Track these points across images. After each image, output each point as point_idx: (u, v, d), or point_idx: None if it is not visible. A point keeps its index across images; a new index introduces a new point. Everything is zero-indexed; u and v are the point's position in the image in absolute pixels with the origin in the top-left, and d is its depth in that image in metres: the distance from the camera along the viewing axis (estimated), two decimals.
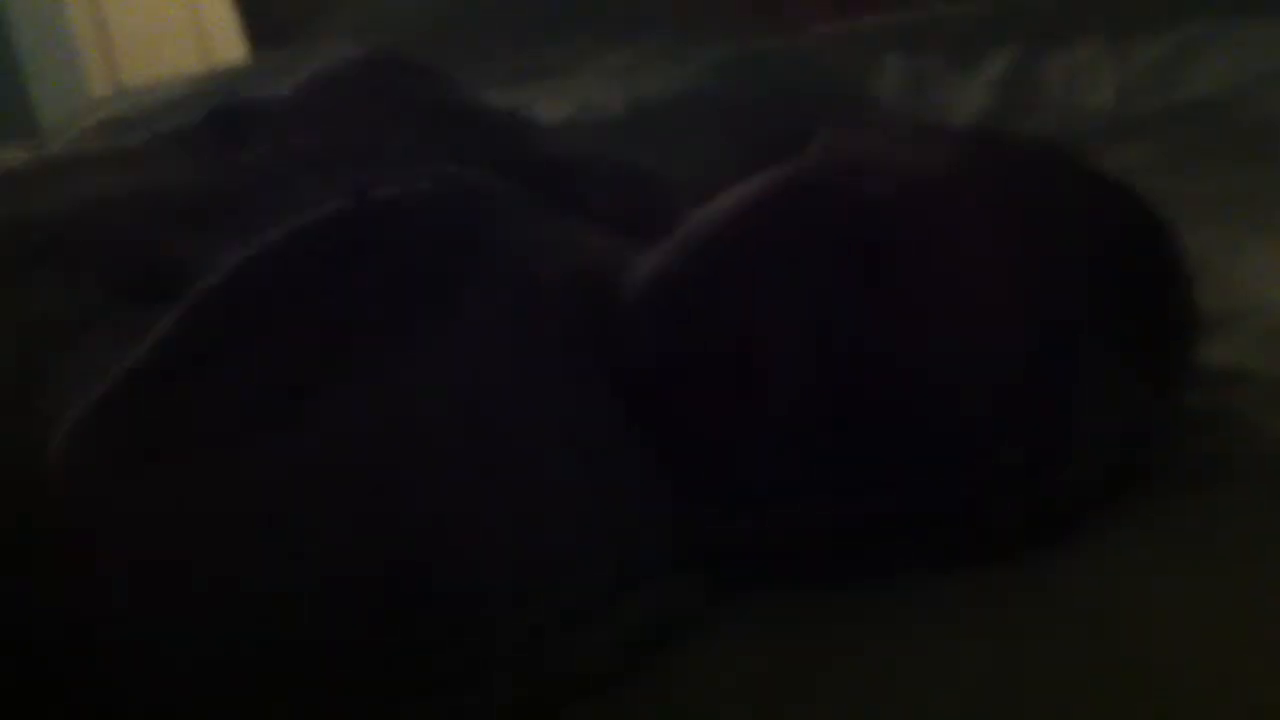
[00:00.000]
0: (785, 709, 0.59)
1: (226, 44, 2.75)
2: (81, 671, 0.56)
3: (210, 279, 0.60)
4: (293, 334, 0.60)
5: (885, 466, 0.65)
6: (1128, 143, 1.30)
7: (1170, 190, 1.01)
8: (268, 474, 0.56)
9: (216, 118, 0.80)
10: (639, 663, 0.61)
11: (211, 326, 0.60)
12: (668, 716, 0.60)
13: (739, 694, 0.60)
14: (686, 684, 0.61)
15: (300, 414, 0.57)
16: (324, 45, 2.08)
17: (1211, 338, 0.80)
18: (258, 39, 2.41)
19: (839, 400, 0.64)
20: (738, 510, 0.67)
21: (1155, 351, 0.71)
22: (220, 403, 0.58)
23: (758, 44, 1.71)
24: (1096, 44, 1.59)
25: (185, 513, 0.56)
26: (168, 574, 0.56)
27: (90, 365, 0.61)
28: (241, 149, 0.77)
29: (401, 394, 0.58)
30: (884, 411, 0.64)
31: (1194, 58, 1.52)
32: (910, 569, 0.66)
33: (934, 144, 0.74)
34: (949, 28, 1.79)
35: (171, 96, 1.83)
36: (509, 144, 0.83)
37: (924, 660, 0.60)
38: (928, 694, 0.58)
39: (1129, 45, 1.58)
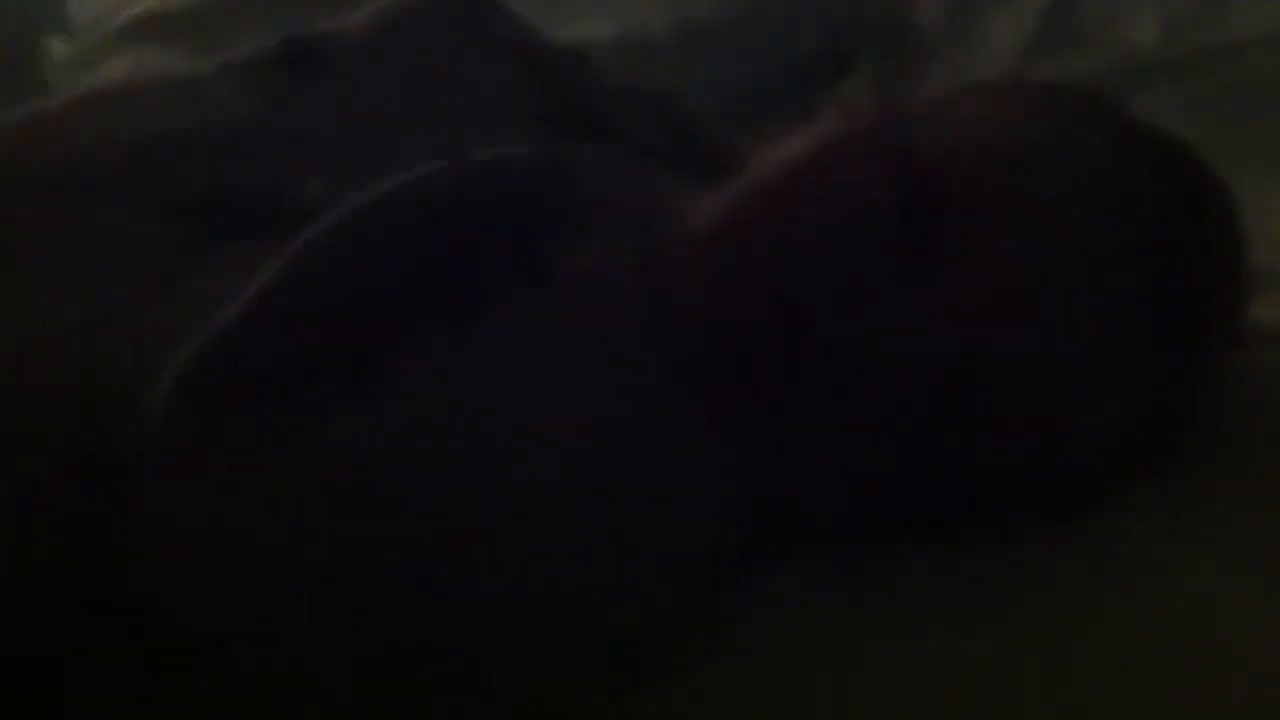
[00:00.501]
0: (788, 707, 0.60)
1: None
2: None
3: (314, 230, 0.60)
4: (396, 295, 0.60)
5: (934, 436, 0.65)
6: (1170, 83, 1.29)
7: (1211, 136, 1.01)
8: (365, 444, 0.56)
9: (289, 48, 0.78)
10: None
11: (318, 281, 0.59)
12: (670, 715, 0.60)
13: (742, 692, 0.61)
14: (690, 683, 0.61)
15: (396, 381, 0.57)
16: None
17: (1263, 294, 0.80)
18: None
19: (889, 365, 0.65)
20: (786, 474, 0.68)
21: (1210, 319, 0.71)
22: (325, 361, 0.58)
23: None
24: None
25: (286, 479, 0.56)
26: (258, 544, 0.56)
27: (170, 301, 0.61)
28: (317, 86, 0.76)
29: (491, 368, 0.59)
30: (936, 381, 0.65)
31: None
32: (950, 535, 0.67)
33: (982, 106, 0.74)
34: None
35: None
36: (570, 83, 0.83)
37: (925, 657, 0.61)
38: (928, 691, 0.59)
39: None
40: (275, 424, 0.56)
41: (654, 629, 0.61)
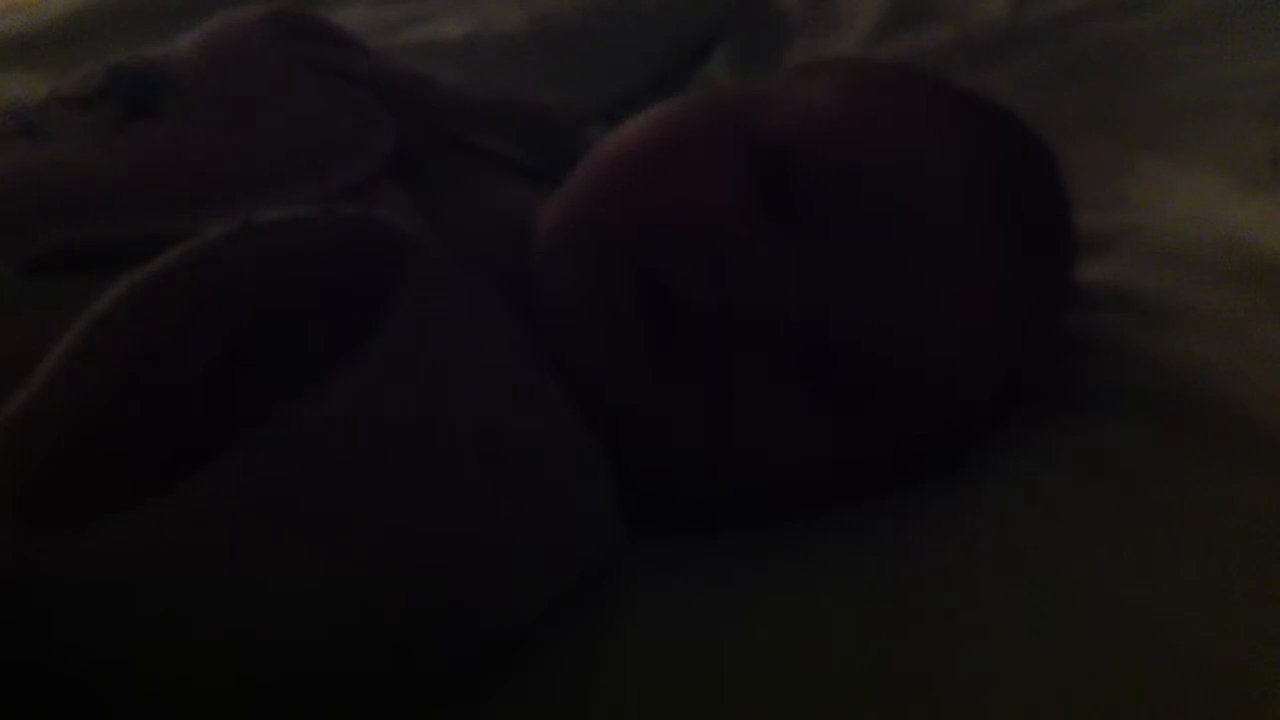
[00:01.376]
0: (708, 674, 0.60)
1: None
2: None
3: (98, 306, 0.56)
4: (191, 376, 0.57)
5: (792, 397, 0.66)
6: (1019, 55, 1.31)
7: (1058, 105, 1.03)
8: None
9: (117, 80, 0.75)
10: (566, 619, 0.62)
11: (101, 364, 0.55)
12: (593, 681, 0.60)
13: (660, 659, 0.61)
14: (609, 640, 0.61)
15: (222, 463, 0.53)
16: None
17: (1099, 256, 0.82)
18: None
19: (744, 333, 0.65)
20: (656, 457, 0.68)
21: (1049, 275, 0.73)
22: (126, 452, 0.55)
23: None
24: None
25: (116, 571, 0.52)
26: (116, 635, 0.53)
27: None
28: (144, 119, 0.73)
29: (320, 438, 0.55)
30: (784, 340, 0.65)
31: None
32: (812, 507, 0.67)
33: (818, 78, 0.75)
34: None
35: (58, 14, 1.78)
36: (413, 105, 0.82)
37: (838, 624, 0.61)
38: (850, 650, 0.60)
39: None
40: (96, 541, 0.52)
41: (540, 622, 0.61)
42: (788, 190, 0.67)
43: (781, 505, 0.68)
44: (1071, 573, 0.62)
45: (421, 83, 0.85)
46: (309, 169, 0.72)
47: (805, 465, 0.68)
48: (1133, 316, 0.82)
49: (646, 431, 0.67)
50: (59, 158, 0.70)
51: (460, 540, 0.58)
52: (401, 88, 0.82)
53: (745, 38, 1.45)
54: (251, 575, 0.53)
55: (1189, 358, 0.77)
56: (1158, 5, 1.40)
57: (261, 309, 0.58)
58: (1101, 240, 0.84)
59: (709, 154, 0.69)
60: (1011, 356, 0.70)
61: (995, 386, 0.70)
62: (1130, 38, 1.34)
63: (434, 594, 0.57)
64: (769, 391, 0.66)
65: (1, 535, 0.52)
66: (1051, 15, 1.39)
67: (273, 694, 0.55)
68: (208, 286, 0.57)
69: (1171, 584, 0.62)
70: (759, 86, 0.76)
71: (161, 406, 0.56)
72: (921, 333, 0.67)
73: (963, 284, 0.68)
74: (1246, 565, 0.62)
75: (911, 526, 0.67)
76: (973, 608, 0.61)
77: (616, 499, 0.66)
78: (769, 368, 0.65)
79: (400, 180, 0.75)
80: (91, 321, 0.55)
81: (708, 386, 0.66)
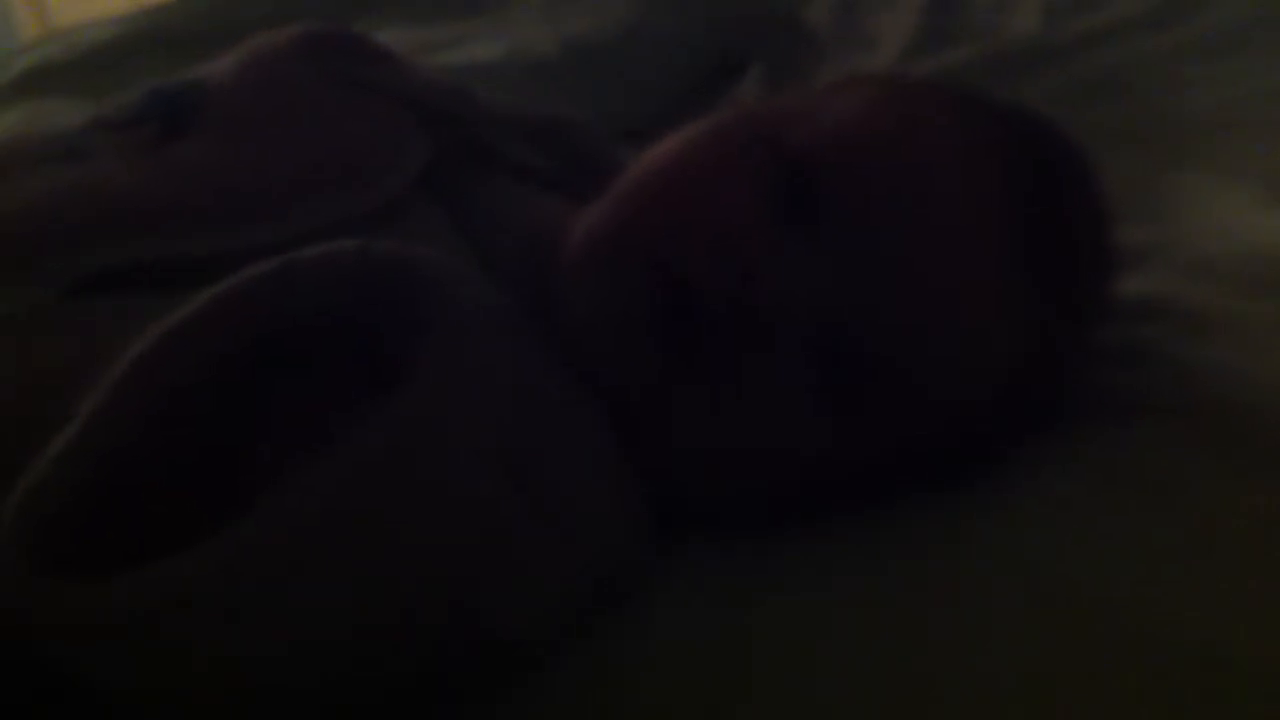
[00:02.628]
0: (726, 673, 0.60)
1: None
2: None
3: (135, 350, 0.57)
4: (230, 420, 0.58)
5: (816, 408, 0.67)
6: (1047, 72, 1.31)
7: (1093, 118, 1.03)
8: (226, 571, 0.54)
9: (155, 102, 0.77)
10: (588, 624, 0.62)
11: (137, 414, 0.56)
12: (612, 680, 0.61)
13: (676, 656, 0.62)
14: (627, 647, 0.62)
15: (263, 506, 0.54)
16: None
17: (1132, 270, 0.82)
18: None
19: (762, 332, 0.66)
20: (682, 464, 0.69)
21: (1074, 286, 0.73)
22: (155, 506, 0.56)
23: None
24: None
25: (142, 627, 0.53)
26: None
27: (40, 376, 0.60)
28: (182, 139, 0.74)
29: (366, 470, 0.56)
30: (800, 339, 0.66)
31: None
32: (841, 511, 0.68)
33: (849, 94, 0.76)
34: None
35: (100, 40, 1.80)
36: (447, 119, 0.83)
37: (856, 626, 0.62)
38: (859, 659, 0.60)
39: None
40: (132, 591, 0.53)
41: (562, 633, 0.62)
42: (811, 197, 0.67)
43: (786, 506, 0.68)
44: (1093, 580, 0.62)
45: (457, 96, 0.86)
46: (343, 185, 0.73)
47: (810, 463, 0.68)
48: (1165, 328, 0.82)
49: (663, 430, 0.68)
50: (98, 180, 0.71)
51: (488, 558, 0.59)
52: (436, 102, 0.83)
53: (777, 57, 1.46)
54: (286, 619, 0.55)
55: (1221, 368, 0.77)
56: (1184, 22, 1.41)
57: (298, 350, 0.59)
58: (1133, 253, 0.84)
59: (734, 162, 0.70)
60: (1024, 365, 0.70)
61: (1001, 391, 0.70)
62: (1157, 54, 1.35)
63: (460, 610, 0.58)
64: (781, 390, 0.67)
65: (33, 582, 0.53)
66: (1079, 33, 1.39)
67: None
68: (245, 330, 0.58)
69: (1202, 593, 0.61)
70: (788, 100, 0.77)
71: (198, 449, 0.57)
72: (929, 335, 0.67)
73: (973, 291, 0.68)
74: (1278, 573, 0.62)
75: (932, 532, 0.67)
76: (990, 613, 0.61)
77: (642, 514, 0.67)
78: (783, 367, 0.66)
79: (434, 192, 0.76)
80: (128, 367, 0.56)
81: (725, 385, 0.66)
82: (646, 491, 0.67)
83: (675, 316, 0.66)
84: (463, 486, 0.58)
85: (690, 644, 0.62)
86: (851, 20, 1.52)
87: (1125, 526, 0.65)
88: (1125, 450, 0.71)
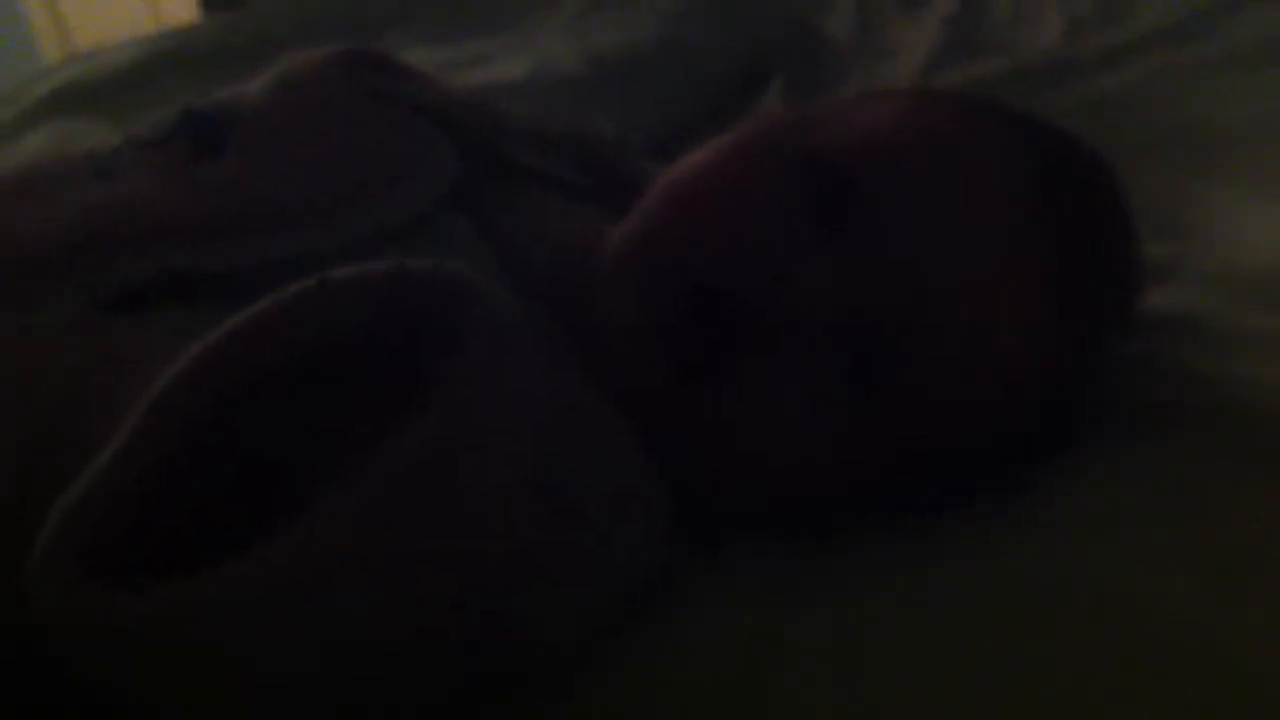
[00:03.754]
0: (757, 674, 0.60)
1: (176, 3, 2.74)
2: None
3: (173, 368, 0.57)
4: (268, 437, 0.58)
5: (845, 413, 0.67)
6: (1071, 85, 1.31)
7: (1117, 131, 1.03)
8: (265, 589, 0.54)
9: (189, 123, 0.77)
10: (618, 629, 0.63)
11: (177, 428, 0.56)
12: (643, 681, 0.61)
13: (710, 659, 0.62)
14: (660, 648, 0.62)
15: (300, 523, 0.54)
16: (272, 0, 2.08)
17: (1159, 284, 0.82)
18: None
19: (793, 332, 0.66)
20: (710, 469, 0.69)
21: (1104, 298, 0.73)
22: (200, 516, 0.56)
23: None
24: None
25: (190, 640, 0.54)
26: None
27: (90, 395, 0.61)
28: (212, 157, 0.75)
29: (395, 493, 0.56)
30: (829, 339, 0.66)
31: None
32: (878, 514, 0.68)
33: (878, 103, 0.76)
34: None
35: (123, 61, 1.81)
36: (475, 133, 0.83)
37: (888, 630, 0.62)
38: (891, 663, 0.60)
39: None
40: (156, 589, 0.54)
41: (592, 642, 0.62)
42: (841, 203, 0.68)
43: (815, 511, 0.69)
44: (1129, 590, 0.62)
45: (485, 111, 0.87)
46: (374, 198, 0.74)
47: (837, 467, 0.68)
48: (1193, 340, 0.82)
49: (692, 435, 0.69)
50: (129, 195, 0.72)
51: (520, 568, 0.59)
52: (464, 117, 0.83)
53: (799, 71, 1.46)
54: (321, 631, 0.55)
55: (1249, 380, 0.77)
56: (1206, 37, 1.41)
57: (334, 366, 0.59)
58: (1160, 267, 0.84)
59: (764, 168, 0.70)
60: (1054, 375, 0.71)
61: (1029, 400, 0.70)
62: (1181, 68, 1.36)
63: (493, 620, 0.59)
64: (811, 394, 0.67)
65: (78, 588, 0.53)
66: (1102, 47, 1.40)
67: None
68: (282, 347, 0.58)
69: (1233, 602, 0.61)
70: (815, 110, 0.77)
71: (237, 464, 0.58)
72: (959, 342, 0.67)
73: (1004, 298, 0.68)
74: None
75: (964, 540, 0.67)
76: (1025, 621, 0.61)
77: (670, 519, 0.67)
78: (813, 371, 0.67)
79: (463, 204, 0.77)
80: (169, 383, 0.56)
81: (755, 389, 0.67)
82: (674, 497, 0.68)
83: (706, 320, 0.67)
84: (496, 500, 0.59)
85: (720, 648, 0.62)
86: (872, 34, 1.53)
87: (1154, 537, 0.65)
88: (1153, 463, 0.71)
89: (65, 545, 0.54)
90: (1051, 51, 1.43)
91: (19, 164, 0.81)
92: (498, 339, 0.61)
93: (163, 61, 1.79)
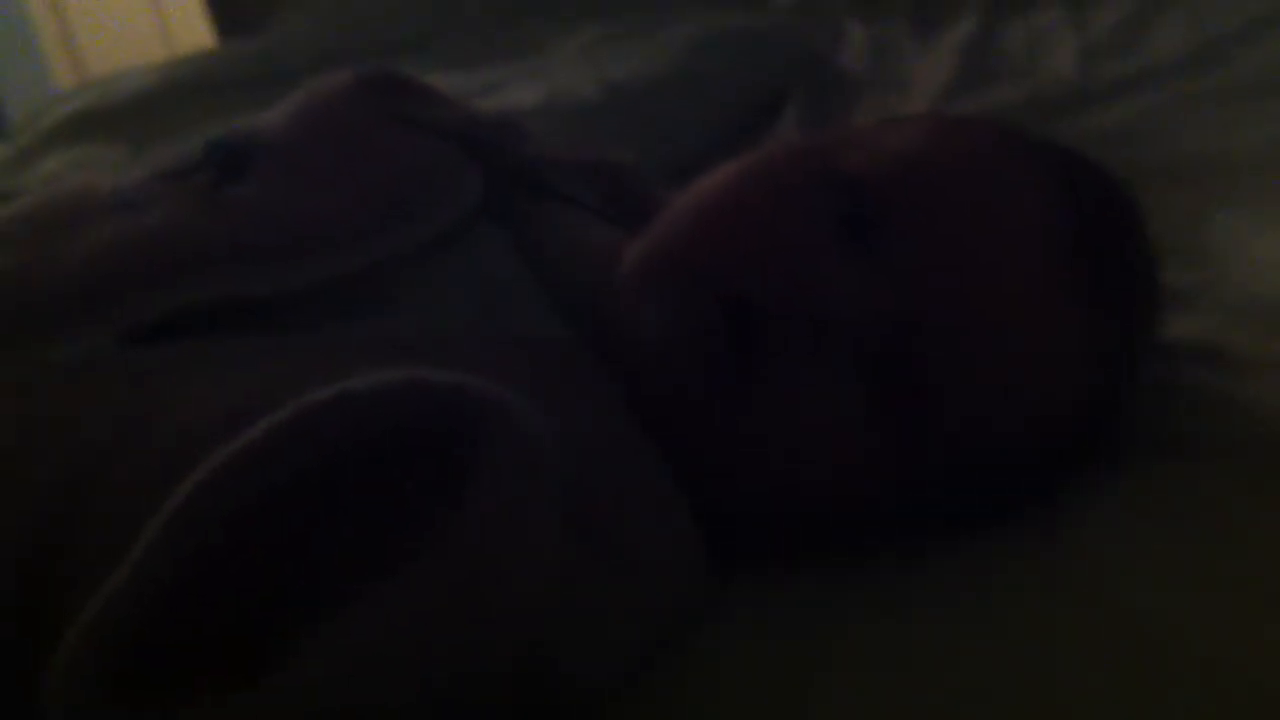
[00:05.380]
0: (795, 693, 0.60)
1: (188, 30, 2.75)
2: None
3: (192, 478, 0.55)
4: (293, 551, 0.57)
5: (875, 429, 0.67)
6: (1088, 113, 1.32)
7: (1134, 159, 1.03)
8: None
9: (212, 151, 0.77)
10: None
11: (194, 544, 0.55)
12: (678, 704, 0.61)
13: (748, 679, 0.62)
14: (689, 682, 0.62)
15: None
16: (288, 26, 2.09)
17: (1180, 310, 0.82)
18: (223, 26, 2.41)
19: (820, 343, 0.66)
20: (739, 488, 0.69)
21: (1129, 321, 0.73)
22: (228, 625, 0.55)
23: (722, 18, 1.72)
24: (1055, 10, 1.61)
25: None
26: None
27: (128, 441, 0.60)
28: (237, 185, 0.74)
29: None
30: (872, 371, 0.66)
31: (1153, 21, 1.53)
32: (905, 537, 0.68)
33: (902, 126, 0.77)
34: None
35: (139, 88, 1.82)
36: (498, 154, 0.83)
37: (923, 647, 0.62)
38: (930, 679, 0.60)
39: (1088, 10, 1.60)
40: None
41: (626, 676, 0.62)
42: (871, 220, 0.68)
43: (844, 533, 0.69)
44: (1154, 616, 0.62)
45: (508, 130, 0.87)
46: (399, 220, 0.74)
47: (865, 484, 0.68)
48: (1215, 367, 0.81)
49: (721, 450, 0.69)
50: (155, 227, 0.71)
51: (563, 622, 0.59)
52: (487, 138, 0.84)
53: (812, 99, 1.47)
54: None
55: (1270, 406, 0.77)
56: (1222, 64, 1.41)
57: (354, 476, 0.58)
58: (1180, 293, 0.84)
59: (793, 183, 0.71)
60: (1081, 394, 0.71)
61: (1058, 419, 0.70)
62: (1197, 95, 1.36)
63: (533, 670, 0.58)
64: (839, 408, 0.67)
65: (111, 710, 0.52)
66: (1119, 74, 1.40)
67: None
68: (300, 459, 0.57)
69: (1255, 624, 0.61)
70: (840, 132, 0.78)
71: (254, 581, 0.56)
72: (988, 359, 0.67)
73: (1032, 317, 0.68)
74: None
75: (994, 564, 0.67)
76: (1052, 645, 0.61)
77: (702, 550, 0.67)
78: (842, 385, 0.67)
79: (488, 222, 0.77)
80: (185, 498, 0.55)
81: (784, 401, 0.67)
82: (705, 527, 0.67)
83: (735, 333, 0.67)
84: (542, 571, 0.58)
85: (751, 678, 0.62)
86: (886, 64, 1.53)
87: (1197, 566, 0.65)
88: (1175, 487, 0.71)
89: (87, 666, 0.53)
90: (1065, 80, 1.44)
91: (44, 197, 0.80)
92: (520, 437, 0.60)
93: (180, 88, 1.81)
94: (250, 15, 2.23)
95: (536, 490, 0.57)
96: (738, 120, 1.44)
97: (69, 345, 0.66)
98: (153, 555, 0.54)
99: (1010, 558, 0.67)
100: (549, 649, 0.58)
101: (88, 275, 0.68)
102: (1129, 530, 0.68)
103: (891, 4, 1.76)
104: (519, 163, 0.84)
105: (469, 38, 1.83)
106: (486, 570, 0.55)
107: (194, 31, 2.64)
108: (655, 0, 1.90)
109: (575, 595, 0.59)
